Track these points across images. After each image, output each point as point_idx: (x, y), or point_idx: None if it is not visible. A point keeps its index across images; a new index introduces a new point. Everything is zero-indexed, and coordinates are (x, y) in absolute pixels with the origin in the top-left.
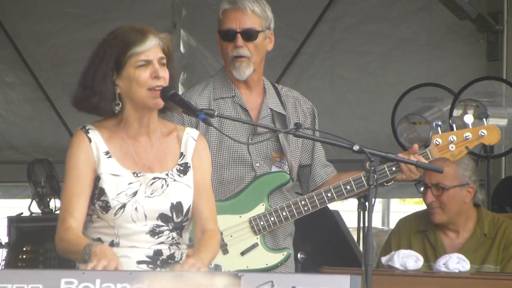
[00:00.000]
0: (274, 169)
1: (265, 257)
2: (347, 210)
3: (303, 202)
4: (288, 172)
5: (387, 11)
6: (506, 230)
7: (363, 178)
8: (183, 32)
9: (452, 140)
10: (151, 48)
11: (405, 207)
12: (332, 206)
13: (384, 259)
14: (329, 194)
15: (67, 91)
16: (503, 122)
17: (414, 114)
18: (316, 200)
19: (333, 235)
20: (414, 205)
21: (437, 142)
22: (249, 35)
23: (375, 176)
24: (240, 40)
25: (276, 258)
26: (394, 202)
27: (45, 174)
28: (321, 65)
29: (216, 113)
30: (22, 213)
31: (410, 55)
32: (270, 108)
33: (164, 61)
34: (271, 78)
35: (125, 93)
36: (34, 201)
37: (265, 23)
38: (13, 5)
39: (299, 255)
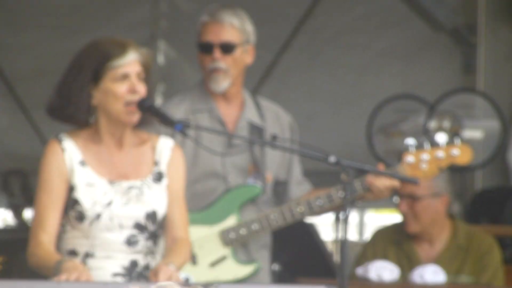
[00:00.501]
0: (249, 181)
1: (234, 269)
2: (323, 223)
3: (273, 216)
4: (259, 185)
5: (365, 23)
6: (480, 242)
7: (337, 192)
8: (163, 43)
9: (423, 158)
10: (130, 62)
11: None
12: (307, 219)
13: (359, 271)
14: (299, 209)
15: (44, 101)
16: (479, 134)
17: (390, 125)
18: (287, 214)
19: (308, 247)
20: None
21: (409, 160)
22: (227, 48)
23: (352, 187)
24: (217, 53)
25: (245, 270)
26: (370, 214)
27: (19, 185)
28: (298, 76)
29: (191, 123)
30: None
31: (387, 67)
32: (247, 121)
33: (143, 76)
34: (248, 89)
35: (101, 106)
36: (8, 212)
37: (244, 36)
38: None
39: (273, 266)
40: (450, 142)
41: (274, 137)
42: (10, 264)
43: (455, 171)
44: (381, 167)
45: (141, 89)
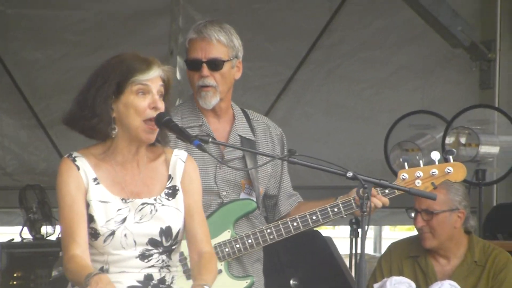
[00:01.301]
0: (242, 196)
1: (227, 284)
2: (339, 236)
3: (268, 230)
4: (255, 200)
5: (383, 38)
6: (496, 258)
7: (332, 208)
8: (179, 59)
9: (418, 175)
10: (153, 78)
11: (396, 233)
12: (324, 232)
13: (376, 286)
14: (295, 224)
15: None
16: (495, 149)
17: (407, 141)
18: (282, 229)
19: (325, 261)
20: (406, 231)
21: (404, 177)
22: (215, 64)
23: (369, 203)
24: (205, 70)
25: (239, 285)
26: (386, 229)
27: (36, 200)
28: (316, 91)
29: (210, 139)
30: (13, 239)
31: (405, 83)
32: (238, 135)
33: (163, 93)
34: (266, 105)
35: (120, 119)
36: (25, 227)
37: (231, 52)
38: (14, 32)
39: (291, 282)
40: (444, 160)
41: (292, 152)
42: (27, 279)
43: (474, 186)
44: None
45: (162, 106)
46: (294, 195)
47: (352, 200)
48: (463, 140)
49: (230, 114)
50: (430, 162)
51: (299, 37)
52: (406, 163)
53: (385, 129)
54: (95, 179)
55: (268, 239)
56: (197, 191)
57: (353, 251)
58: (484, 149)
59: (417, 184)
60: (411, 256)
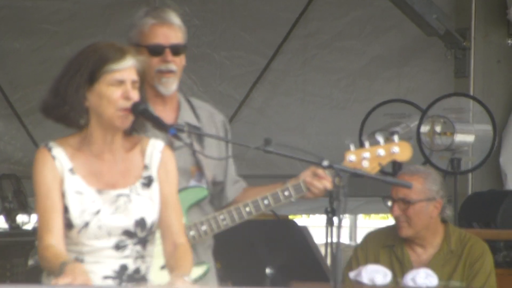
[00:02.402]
0: (192, 183)
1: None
2: (314, 225)
3: (221, 216)
4: (205, 187)
5: (359, 28)
6: (472, 247)
7: (283, 192)
8: None
9: (365, 156)
10: (126, 68)
11: (371, 222)
12: (299, 221)
13: (352, 274)
14: (247, 209)
15: (37, 107)
16: (471, 138)
17: (382, 130)
18: (235, 214)
19: (301, 251)
20: (380, 220)
21: (350, 159)
22: (177, 50)
23: (345, 191)
24: (169, 55)
25: (195, 272)
26: (360, 218)
27: (12, 189)
28: (292, 81)
29: (186, 128)
30: None
31: (381, 72)
32: (185, 122)
33: (137, 84)
34: (241, 94)
35: (94, 108)
36: (1, 216)
37: (186, 37)
38: None
39: (267, 270)
40: (389, 140)
41: (267, 141)
42: (3, 268)
43: (449, 175)
44: (319, 170)
45: (135, 96)
46: (239, 181)
47: (301, 183)
48: (438, 128)
49: (175, 101)
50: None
51: (275, 26)
52: (352, 145)
53: (360, 118)
54: (70, 170)
55: (222, 225)
56: (173, 182)
57: (329, 240)
58: (459, 137)
59: (364, 165)
60: (387, 245)
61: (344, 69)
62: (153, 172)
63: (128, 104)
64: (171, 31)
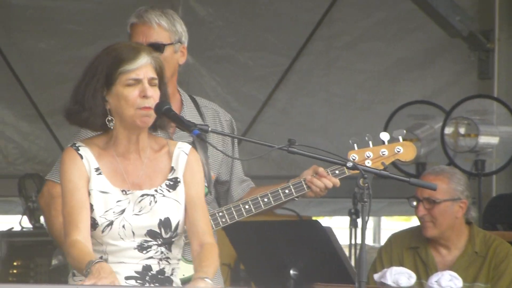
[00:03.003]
0: None
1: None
2: (338, 227)
3: (220, 214)
4: (206, 185)
5: (383, 30)
6: (496, 248)
7: (283, 191)
8: None
9: (368, 156)
10: (141, 66)
11: (395, 223)
12: (323, 222)
13: (376, 276)
14: (247, 206)
15: (63, 108)
16: (495, 140)
17: (406, 131)
18: (234, 212)
19: (325, 252)
20: (404, 221)
21: (353, 158)
22: (155, 48)
23: (370, 192)
24: None
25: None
26: (384, 219)
27: (36, 188)
28: (316, 82)
29: (210, 129)
30: (12, 228)
31: (405, 73)
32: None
33: (155, 81)
34: (263, 94)
35: (115, 110)
36: (25, 216)
37: (174, 36)
38: (18, 22)
39: (291, 271)
40: (394, 140)
41: (291, 141)
42: (27, 268)
43: (473, 176)
44: (320, 169)
45: (154, 94)
46: (246, 180)
47: (303, 182)
48: (462, 130)
49: (177, 99)
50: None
51: (299, 27)
52: (355, 144)
53: (385, 119)
54: (97, 169)
55: (220, 222)
56: (199, 183)
57: (353, 242)
58: (483, 139)
59: (367, 164)
60: (412, 247)
61: (368, 70)
62: (179, 174)
63: (146, 103)
64: (150, 30)
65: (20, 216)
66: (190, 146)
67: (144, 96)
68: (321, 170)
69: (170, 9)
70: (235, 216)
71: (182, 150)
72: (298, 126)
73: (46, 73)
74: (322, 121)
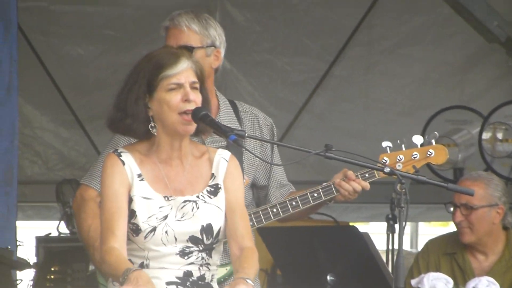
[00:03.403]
0: None
1: None
2: (376, 232)
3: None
4: None
5: (422, 34)
6: None
7: (308, 194)
8: None
9: (399, 159)
10: (182, 71)
11: (432, 229)
12: (361, 228)
13: (413, 282)
14: (274, 210)
15: (102, 113)
16: None
17: (443, 136)
18: (261, 215)
19: (363, 257)
20: (441, 226)
21: (385, 161)
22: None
23: (407, 198)
24: None
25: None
26: (421, 224)
27: (73, 194)
28: (355, 87)
29: (246, 134)
30: (50, 233)
31: (445, 78)
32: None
33: (197, 85)
34: (301, 99)
35: (157, 116)
36: (62, 221)
37: (206, 40)
38: (56, 27)
39: (328, 277)
40: (426, 143)
41: (328, 147)
42: (64, 274)
43: (510, 182)
44: (349, 172)
45: (196, 98)
46: (287, 185)
47: (332, 185)
48: (499, 135)
49: (214, 104)
50: (466, 157)
51: (337, 32)
52: (388, 147)
53: (423, 125)
54: (139, 175)
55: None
56: (239, 188)
57: (390, 247)
58: None
59: (398, 167)
60: (448, 252)
61: (407, 75)
62: (220, 180)
63: (189, 106)
64: (180, 33)
65: (57, 221)
66: (230, 153)
67: (187, 100)
68: (350, 173)
69: (207, 13)
70: (263, 219)
71: (222, 157)
72: (336, 131)
73: (84, 79)
74: (359, 126)
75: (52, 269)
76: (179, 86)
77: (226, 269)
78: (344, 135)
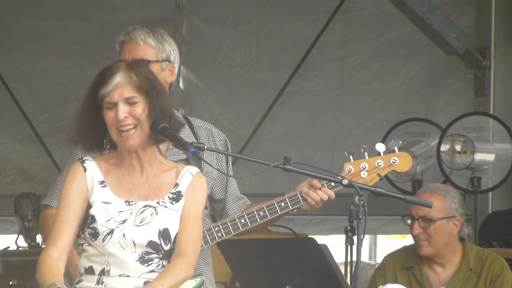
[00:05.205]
0: None
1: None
2: (335, 244)
3: (216, 228)
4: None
5: (394, 49)
6: (491, 264)
7: (275, 203)
8: (183, 69)
9: (364, 167)
10: (115, 88)
11: (391, 241)
12: (320, 240)
13: None
14: (242, 220)
15: (63, 128)
16: (491, 157)
17: (402, 149)
18: (230, 226)
19: (321, 269)
20: (400, 239)
21: (349, 169)
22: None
23: (365, 210)
24: None
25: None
26: (380, 236)
27: (32, 208)
28: (328, 102)
29: (205, 147)
30: (8, 247)
31: (412, 93)
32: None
33: (135, 99)
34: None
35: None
36: (20, 235)
37: (161, 54)
38: (18, 42)
39: None
40: (389, 151)
41: (287, 159)
42: (23, 287)
43: (469, 193)
44: (314, 181)
45: (130, 113)
46: (242, 198)
47: (299, 194)
48: (458, 147)
49: None
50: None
51: (306, 47)
52: (351, 156)
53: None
54: (101, 182)
55: (216, 237)
56: (197, 201)
57: (349, 259)
58: (479, 156)
59: (362, 176)
60: (406, 267)
61: (378, 89)
62: (183, 189)
63: (123, 123)
64: (136, 47)
65: (16, 235)
66: (198, 170)
67: (117, 118)
68: (315, 182)
69: (174, 29)
70: (231, 230)
71: (189, 171)
72: (306, 144)
73: (48, 93)
74: (331, 139)
75: (11, 282)
76: (113, 104)
77: (196, 280)
78: (315, 149)
